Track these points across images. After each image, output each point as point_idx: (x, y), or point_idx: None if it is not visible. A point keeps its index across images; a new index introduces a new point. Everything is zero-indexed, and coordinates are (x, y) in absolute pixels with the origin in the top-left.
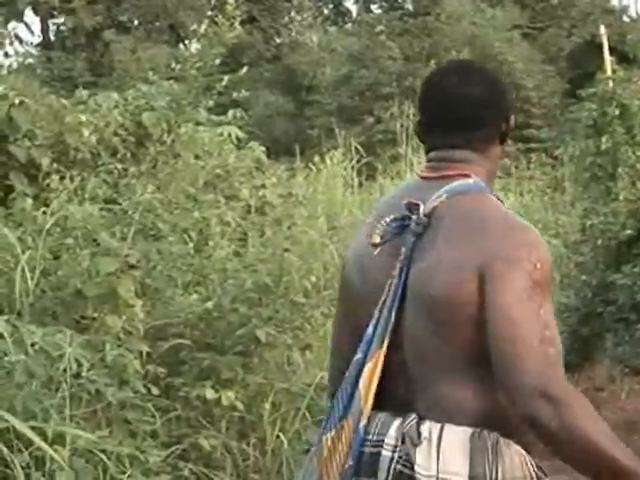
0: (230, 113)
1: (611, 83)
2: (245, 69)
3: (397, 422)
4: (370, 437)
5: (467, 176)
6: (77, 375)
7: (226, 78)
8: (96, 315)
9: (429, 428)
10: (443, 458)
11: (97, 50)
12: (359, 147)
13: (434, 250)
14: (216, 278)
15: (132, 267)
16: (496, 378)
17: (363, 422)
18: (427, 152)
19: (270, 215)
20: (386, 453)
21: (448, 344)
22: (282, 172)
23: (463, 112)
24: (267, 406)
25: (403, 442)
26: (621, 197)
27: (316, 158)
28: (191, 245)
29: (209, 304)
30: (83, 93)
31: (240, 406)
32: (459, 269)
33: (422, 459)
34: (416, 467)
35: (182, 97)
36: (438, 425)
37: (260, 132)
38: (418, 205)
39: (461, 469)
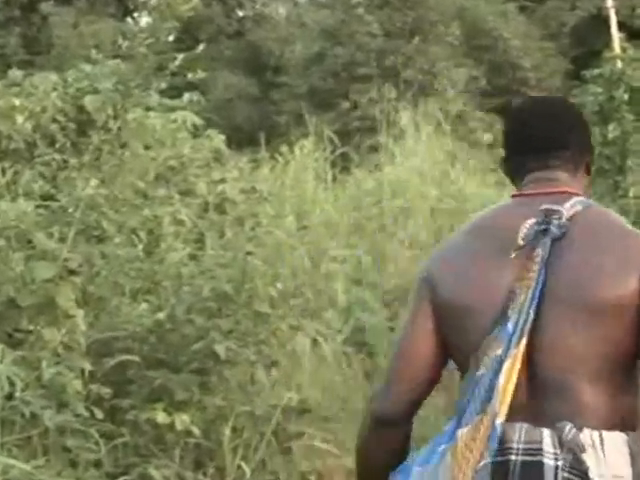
0: (185, 97)
1: (619, 63)
2: (202, 46)
3: (547, 431)
4: (516, 445)
5: (575, 194)
6: (10, 396)
7: (180, 57)
8: (32, 328)
9: (590, 435)
10: (609, 462)
11: (33, 24)
12: (333, 136)
13: (577, 254)
14: (169, 285)
15: (72, 273)
16: None
17: (500, 420)
18: (520, 175)
19: (231, 213)
20: (549, 462)
21: (606, 349)
22: (244, 164)
23: (560, 135)
24: (227, 431)
25: (562, 450)
26: (631, 193)
27: (284, 148)
28: (140, 247)
29: (161, 315)
30: (17, 74)
31: (196, 431)
32: (624, 271)
33: (593, 465)
34: (590, 473)
35: (130, 78)
36: (596, 432)
37: (220, 118)
38: (558, 211)
39: (627, 472)
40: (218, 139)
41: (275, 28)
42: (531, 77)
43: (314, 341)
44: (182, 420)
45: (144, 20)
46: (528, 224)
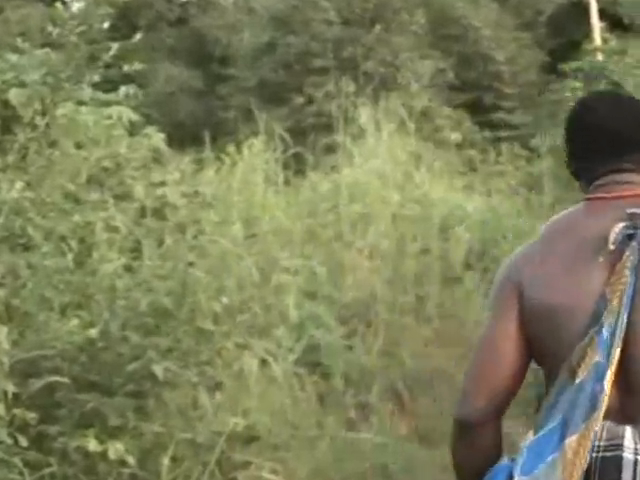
0: (121, 90)
1: (600, 55)
2: (140, 35)
3: (629, 427)
4: (597, 443)
5: None
6: None
7: (116, 46)
8: None
9: None
10: None
11: None
12: (285, 134)
13: None
14: (102, 299)
15: None
16: None
17: (597, 427)
18: (591, 177)
19: (171, 219)
20: (628, 456)
21: None
22: (187, 165)
23: (628, 137)
24: (166, 461)
25: None
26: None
27: (230, 147)
28: (70, 257)
29: (93, 332)
30: None
31: (131, 461)
32: None
33: None
34: None
35: (60, 70)
36: None
37: (160, 114)
38: None
39: None
40: (157, 137)
41: (221, 15)
42: (504, 70)
43: (263, 361)
44: (116, 448)
45: (76, 5)
46: (617, 229)
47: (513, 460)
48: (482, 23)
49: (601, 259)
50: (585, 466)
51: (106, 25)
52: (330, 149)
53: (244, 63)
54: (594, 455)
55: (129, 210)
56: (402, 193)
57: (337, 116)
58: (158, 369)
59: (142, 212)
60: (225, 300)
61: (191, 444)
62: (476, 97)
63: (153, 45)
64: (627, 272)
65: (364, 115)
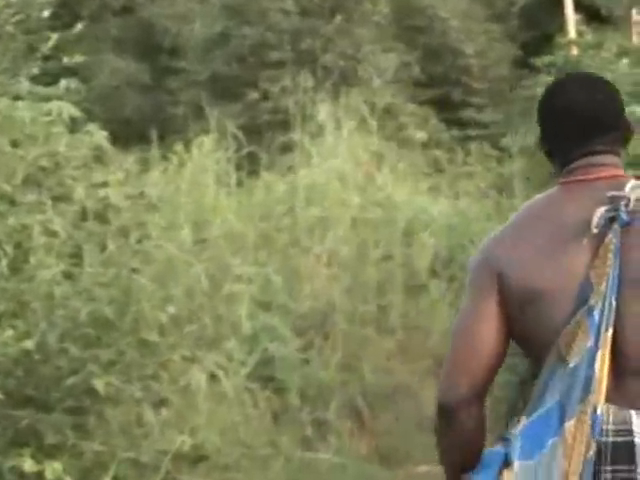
0: (62, 84)
1: (575, 49)
2: (83, 24)
3: (634, 412)
4: (605, 427)
5: (626, 177)
6: None
7: (56, 36)
8: None
9: None
10: None
11: None
12: (238, 132)
13: None
14: (39, 308)
15: None
16: None
17: (600, 409)
18: (567, 159)
19: (114, 223)
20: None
21: None
22: (132, 165)
23: (599, 119)
24: None
25: None
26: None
27: (179, 146)
28: (5, 263)
29: (29, 343)
30: None
31: None
32: None
33: None
34: None
35: None
36: None
37: (103, 110)
38: (624, 197)
39: None
40: (100, 135)
41: (171, 3)
42: (473, 64)
43: (212, 375)
44: (53, 468)
45: None
46: (600, 212)
47: (505, 445)
48: (450, 14)
49: (585, 242)
50: (585, 451)
51: (46, 14)
52: (286, 148)
53: (195, 55)
54: (604, 439)
55: (68, 213)
56: (363, 195)
57: (294, 113)
58: (99, 384)
59: (83, 215)
60: (172, 310)
61: (134, 464)
62: (443, 93)
63: (97, 35)
64: (611, 255)
65: (323, 112)
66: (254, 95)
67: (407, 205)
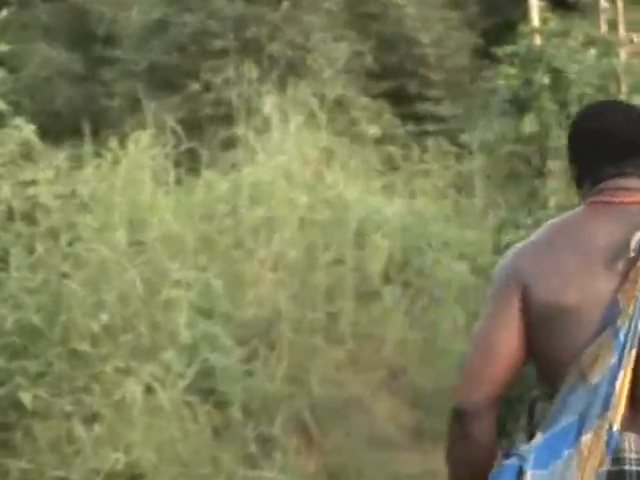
0: None
1: (539, 38)
2: (10, 10)
3: None
4: (628, 455)
5: None
6: None
7: None
8: None
9: None
10: None
11: None
12: (177, 126)
13: None
14: None
15: None
16: None
17: (616, 428)
18: (594, 181)
19: (43, 224)
20: None
21: None
22: (62, 161)
23: (632, 143)
24: None
25: None
26: (551, 203)
27: (114, 141)
28: None
29: None
30: None
31: None
32: None
33: None
34: None
35: None
36: None
37: (32, 102)
38: None
39: None
40: (28, 129)
41: None
42: (430, 54)
43: (148, 388)
44: None
45: None
46: (638, 236)
47: (518, 459)
48: (405, 0)
49: (617, 265)
50: (598, 465)
51: None
52: (229, 144)
53: (131, 44)
54: (629, 468)
55: None
56: (312, 195)
57: (238, 106)
58: (26, 397)
59: (9, 215)
60: (105, 317)
61: None
62: (398, 85)
63: (25, 22)
64: None
65: (269, 105)
66: (195, 87)
67: (359, 205)
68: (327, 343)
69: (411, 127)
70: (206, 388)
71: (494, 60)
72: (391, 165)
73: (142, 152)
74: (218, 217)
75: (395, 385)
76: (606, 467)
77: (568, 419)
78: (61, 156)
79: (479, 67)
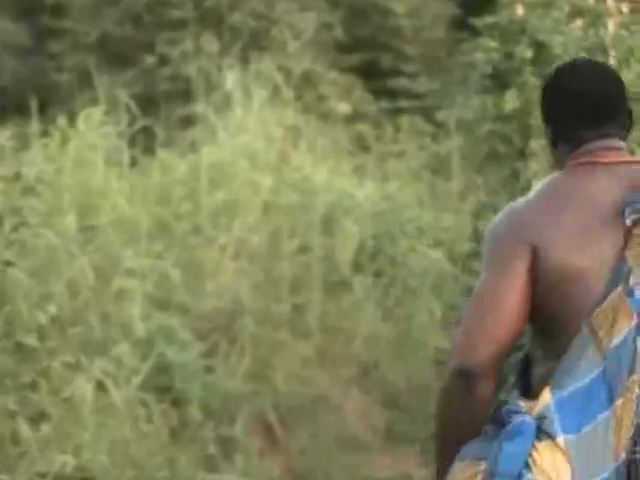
0: None
1: (521, 8)
2: None
3: None
4: None
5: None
6: None
7: None
8: None
9: None
10: None
11: None
12: (131, 103)
13: None
14: None
15: None
16: None
17: (637, 390)
18: (574, 143)
19: None
20: None
21: None
22: (7, 141)
23: (614, 103)
24: None
25: None
26: (534, 185)
27: (63, 119)
28: None
29: None
30: None
31: None
32: None
33: None
34: None
35: None
36: None
37: None
38: None
39: None
40: None
41: None
42: (405, 26)
43: (99, 385)
44: None
45: None
46: (635, 201)
47: (530, 416)
48: None
49: (618, 224)
50: (631, 427)
51: None
52: (187, 122)
53: (82, 14)
54: None
55: None
56: (277, 177)
57: (197, 81)
58: None
59: None
60: (52, 309)
61: None
62: (370, 59)
63: None
64: None
65: (230, 80)
66: (150, 60)
67: (327, 188)
68: (293, 337)
69: (384, 104)
70: (162, 385)
71: (473, 32)
72: (362, 145)
73: (93, 131)
74: (175, 201)
75: (366, 382)
76: (632, 432)
77: (587, 379)
78: (5, 135)
79: (457, 40)
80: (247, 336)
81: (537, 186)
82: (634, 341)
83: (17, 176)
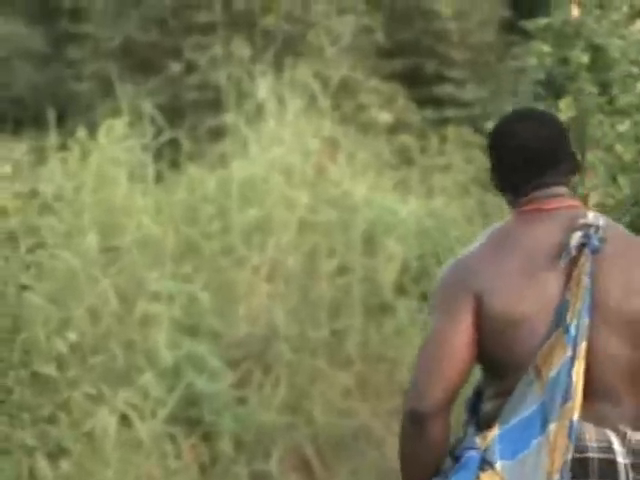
0: None
1: (576, 10)
2: None
3: (611, 432)
4: (589, 444)
5: (579, 206)
6: None
7: None
8: None
9: (634, 437)
10: None
11: None
12: (156, 113)
13: (613, 267)
14: None
15: None
16: None
17: (576, 417)
18: (521, 191)
19: (0, 228)
20: (621, 460)
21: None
22: (23, 155)
23: (554, 154)
24: None
25: (627, 450)
26: (592, 200)
27: (82, 132)
28: None
29: None
30: None
31: None
32: None
33: None
34: None
35: None
36: (636, 433)
37: None
38: (596, 225)
39: None
40: None
41: None
42: (452, 29)
43: (123, 418)
44: None
45: None
46: (576, 236)
47: (477, 450)
48: None
49: (560, 266)
50: (565, 452)
51: None
52: (217, 134)
53: (103, 18)
54: (592, 455)
55: None
56: (313, 193)
57: (226, 90)
58: None
59: None
60: (72, 336)
61: None
62: (413, 65)
63: None
64: (585, 277)
65: (263, 88)
66: (176, 67)
67: (368, 205)
68: (332, 365)
69: (428, 113)
70: (191, 418)
71: (524, 35)
72: (405, 158)
73: (115, 144)
74: (204, 219)
75: None
76: (570, 455)
77: (528, 412)
78: (21, 149)
79: (507, 43)
80: (282, 364)
81: (485, 234)
82: (568, 372)
83: (34, 193)
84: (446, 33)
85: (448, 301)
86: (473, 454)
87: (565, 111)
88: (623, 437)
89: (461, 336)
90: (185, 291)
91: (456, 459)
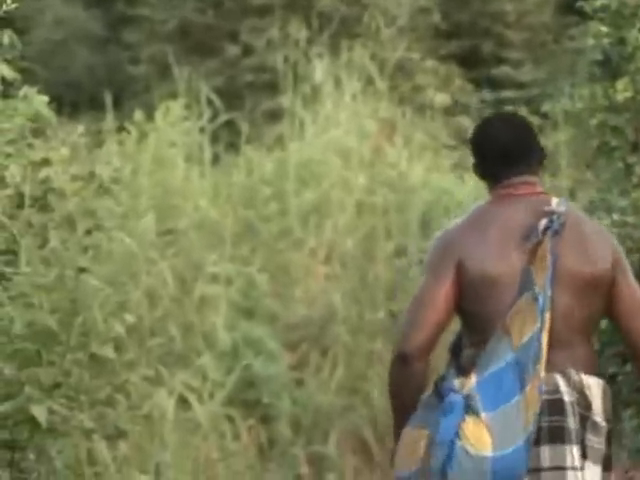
0: None
1: None
2: None
3: (559, 375)
4: (543, 388)
5: (547, 193)
6: None
7: None
8: None
9: (585, 380)
10: (595, 399)
11: None
12: (213, 96)
13: (570, 244)
14: None
15: None
16: (629, 336)
17: (543, 374)
18: (497, 179)
19: (58, 211)
20: (566, 398)
21: (589, 313)
22: (80, 138)
23: (523, 149)
24: None
25: (572, 389)
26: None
27: (140, 114)
28: None
29: None
30: None
31: None
32: (602, 254)
33: (595, 403)
34: (593, 407)
35: None
36: (588, 376)
37: (45, 70)
38: (559, 212)
39: (600, 405)
40: (40, 100)
41: None
42: (509, 10)
43: (181, 400)
44: None
45: None
46: (543, 222)
47: (461, 395)
48: None
49: (528, 244)
50: (536, 406)
51: None
52: (274, 116)
53: (159, 1)
54: (544, 397)
55: (1, 199)
56: (370, 175)
57: (283, 72)
58: (39, 411)
59: (19, 201)
60: (130, 319)
61: None
62: (470, 46)
63: None
64: (548, 255)
65: (319, 70)
66: (233, 50)
67: (425, 186)
68: (389, 347)
69: (485, 94)
70: (249, 400)
71: (582, 16)
72: (462, 139)
73: (172, 126)
74: (261, 201)
75: None
76: (545, 397)
77: (500, 364)
78: (78, 131)
79: (564, 24)
80: (340, 346)
81: (473, 208)
82: (538, 338)
83: (91, 176)
84: (503, 14)
85: (435, 264)
86: (457, 399)
87: (622, 92)
88: (568, 378)
89: (443, 291)
90: (243, 273)
91: (438, 393)
